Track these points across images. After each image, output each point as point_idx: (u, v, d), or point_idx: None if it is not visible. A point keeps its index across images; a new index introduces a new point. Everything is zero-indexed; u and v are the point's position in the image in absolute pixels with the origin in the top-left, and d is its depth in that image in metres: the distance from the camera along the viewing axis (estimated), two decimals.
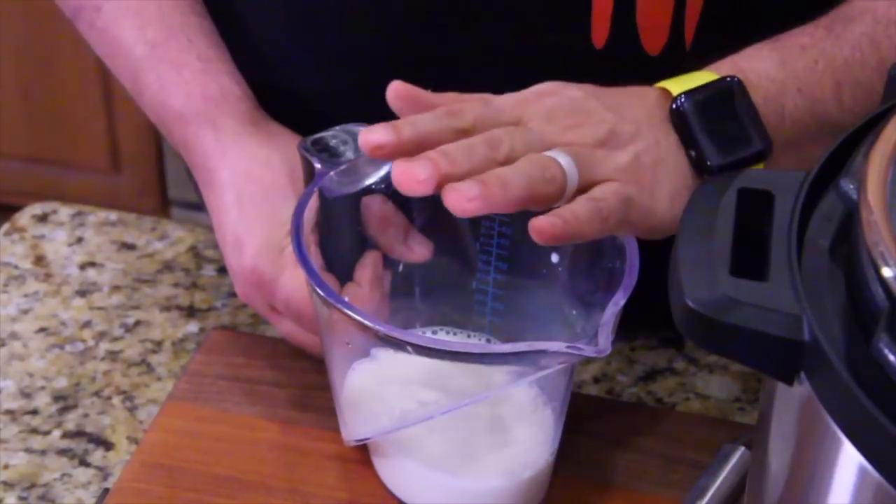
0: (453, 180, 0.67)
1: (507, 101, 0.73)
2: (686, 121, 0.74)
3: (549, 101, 0.73)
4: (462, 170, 0.67)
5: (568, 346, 0.68)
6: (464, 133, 0.70)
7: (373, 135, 0.69)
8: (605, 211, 0.70)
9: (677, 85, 0.75)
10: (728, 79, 0.75)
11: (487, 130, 0.71)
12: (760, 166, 0.75)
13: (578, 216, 0.69)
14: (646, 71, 0.80)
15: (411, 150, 0.69)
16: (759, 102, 0.76)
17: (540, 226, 0.68)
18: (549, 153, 0.70)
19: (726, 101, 0.75)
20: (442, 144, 0.69)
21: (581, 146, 0.71)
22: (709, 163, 0.74)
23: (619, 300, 0.70)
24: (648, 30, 0.82)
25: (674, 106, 0.75)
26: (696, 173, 0.74)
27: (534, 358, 0.70)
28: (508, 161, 0.69)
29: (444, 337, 0.83)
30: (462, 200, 0.66)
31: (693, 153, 0.74)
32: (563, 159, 0.70)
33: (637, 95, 0.76)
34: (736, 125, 0.75)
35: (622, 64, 0.83)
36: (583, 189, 0.70)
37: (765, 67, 0.77)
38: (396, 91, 0.72)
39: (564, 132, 0.72)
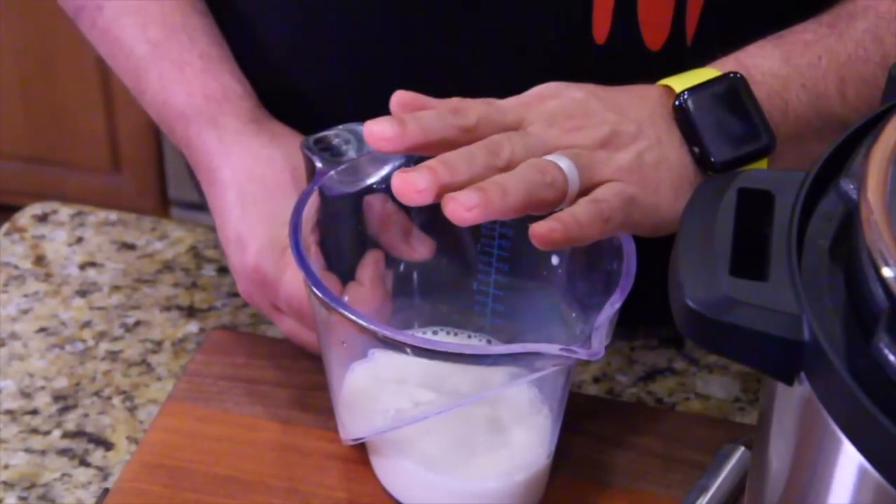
0: (453, 188, 0.67)
1: (510, 103, 0.73)
2: (689, 118, 0.74)
3: (551, 103, 0.73)
4: (462, 178, 0.67)
5: (562, 349, 0.68)
6: (466, 131, 0.70)
7: (378, 126, 0.69)
8: (606, 212, 0.70)
9: (680, 82, 0.75)
10: (731, 75, 0.75)
11: (490, 129, 0.71)
12: (764, 162, 0.75)
13: (579, 219, 0.69)
14: (647, 66, 0.80)
15: (415, 143, 0.69)
16: (763, 98, 0.76)
17: (539, 232, 0.68)
18: (549, 157, 0.70)
19: (730, 97, 0.75)
20: (445, 140, 0.69)
21: (582, 148, 0.71)
22: (713, 159, 0.74)
23: (614, 302, 0.70)
24: (650, 25, 0.82)
25: (677, 103, 0.75)
26: (699, 169, 0.74)
27: (528, 360, 0.70)
28: (509, 167, 0.69)
29: (444, 338, 0.83)
30: (461, 210, 0.66)
31: (696, 150, 0.74)
32: (564, 162, 0.70)
33: (639, 94, 0.76)
34: (739, 121, 0.75)
35: (623, 59, 0.83)
36: (585, 191, 0.70)
37: (768, 63, 0.77)
38: (400, 100, 0.72)
39: (566, 134, 0.72)
